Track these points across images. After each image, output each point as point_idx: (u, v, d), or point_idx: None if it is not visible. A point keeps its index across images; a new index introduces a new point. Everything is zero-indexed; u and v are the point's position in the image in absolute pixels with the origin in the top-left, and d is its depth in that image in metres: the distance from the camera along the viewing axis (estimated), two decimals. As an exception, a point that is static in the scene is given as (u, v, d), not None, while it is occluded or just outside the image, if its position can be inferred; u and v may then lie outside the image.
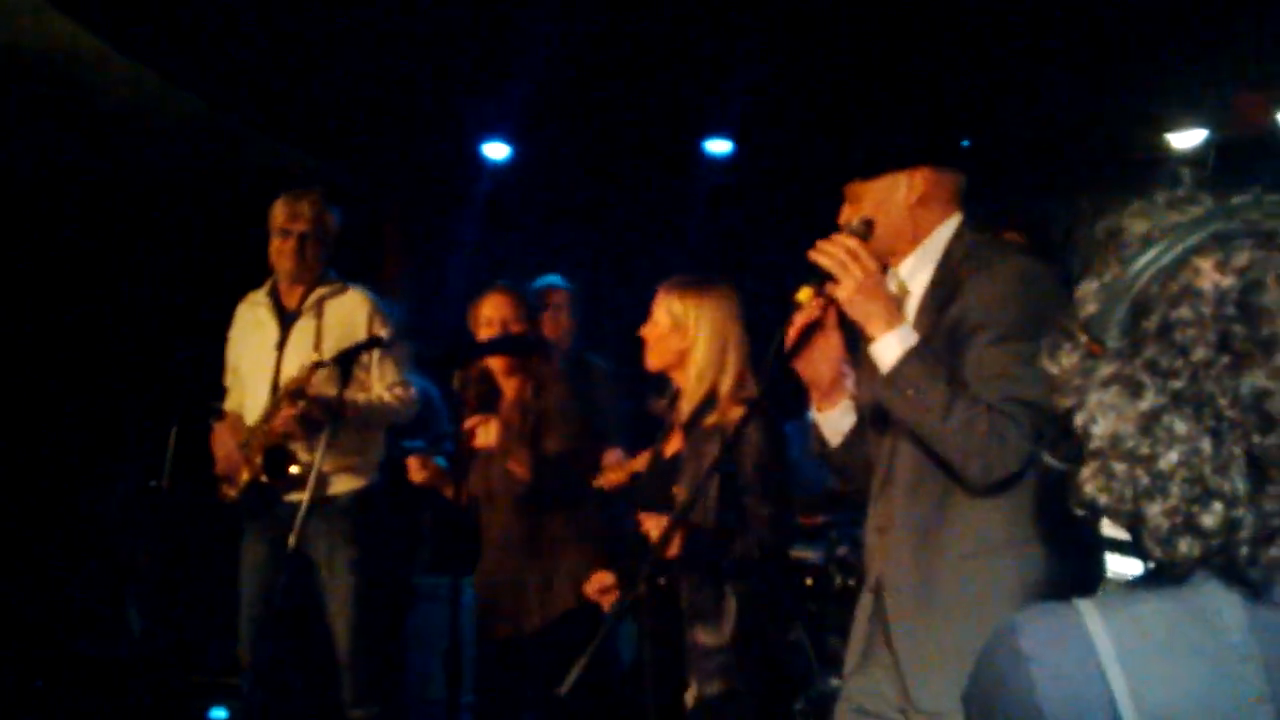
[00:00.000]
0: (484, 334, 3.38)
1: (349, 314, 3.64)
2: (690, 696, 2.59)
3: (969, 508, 1.93)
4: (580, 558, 3.22)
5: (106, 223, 5.24)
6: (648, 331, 2.83)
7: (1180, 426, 0.87)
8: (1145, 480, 0.88)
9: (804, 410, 3.14)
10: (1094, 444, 0.91)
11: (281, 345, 3.62)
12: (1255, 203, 0.93)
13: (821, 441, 2.20)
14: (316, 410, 3.41)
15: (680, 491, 2.69)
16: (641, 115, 5.25)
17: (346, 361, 3.29)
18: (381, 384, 3.63)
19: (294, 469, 3.48)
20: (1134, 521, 0.90)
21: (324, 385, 3.47)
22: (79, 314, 5.13)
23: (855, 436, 2.16)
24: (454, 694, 2.97)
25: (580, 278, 4.49)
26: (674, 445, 2.84)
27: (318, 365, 3.46)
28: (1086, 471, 0.92)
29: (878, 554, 2.08)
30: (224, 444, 3.61)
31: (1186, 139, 5.16)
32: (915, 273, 2.07)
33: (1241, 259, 0.89)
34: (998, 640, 0.91)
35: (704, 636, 2.61)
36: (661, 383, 2.96)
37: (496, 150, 5.66)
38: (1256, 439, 0.85)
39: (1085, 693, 0.86)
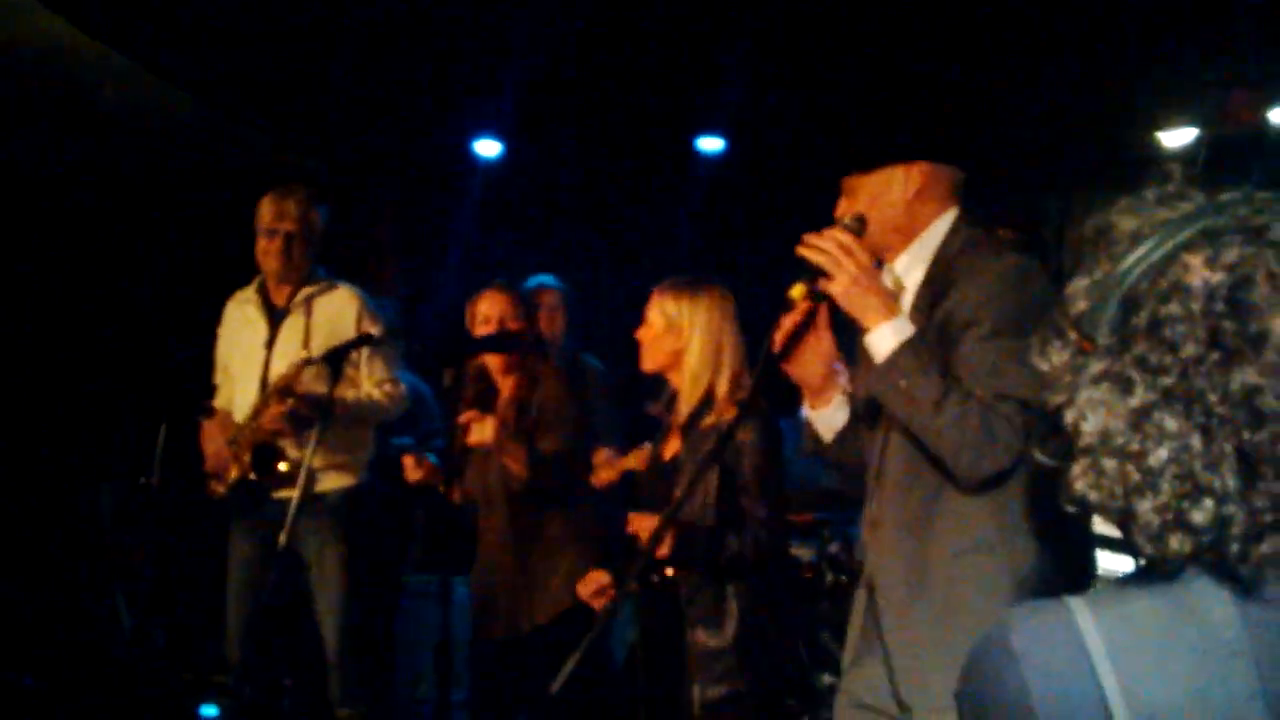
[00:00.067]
0: (480, 331, 3.38)
1: (338, 312, 3.63)
2: (695, 699, 2.58)
3: (960, 504, 1.93)
4: (576, 557, 3.22)
5: (96, 220, 5.22)
6: (642, 333, 2.83)
7: (1170, 423, 0.87)
8: (1136, 477, 0.88)
9: (797, 408, 3.15)
10: (1084, 441, 0.91)
11: (270, 343, 3.61)
12: (1245, 199, 0.93)
13: (815, 438, 2.20)
14: (305, 408, 3.40)
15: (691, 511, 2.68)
16: (634, 112, 5.25)
17: (336, 359, 3.28)
18: (371, 381, 3.62)
19: (282, 466, 3.47)
20: (1125, 518, 0.90)
21: (313, 383, 3.47)
22: (68, 311, 5.11)
23: (849, 432, 2.16)
24: (445, 693, 2.97)
25: (572, 275, 4.48)
26: (672, 447, 2.84)
27: (307, 362, 3.45)
28: (1077, 468, 0.92)
29: (871, 549, 2.08)
30: (213, 441, 3.60)
31: (1177, 137, 5.17)
32: (910, 268, 2.07)
33: (1231, 255, 0.89)
34: (989, 638, 0.91)
35: (706, 638, 2.60)
36: (655, 383, 2.96)
37: (488, 147, 5.65)
38: (1247, 435, 0.85)
39: (1076, 690, 0.86)
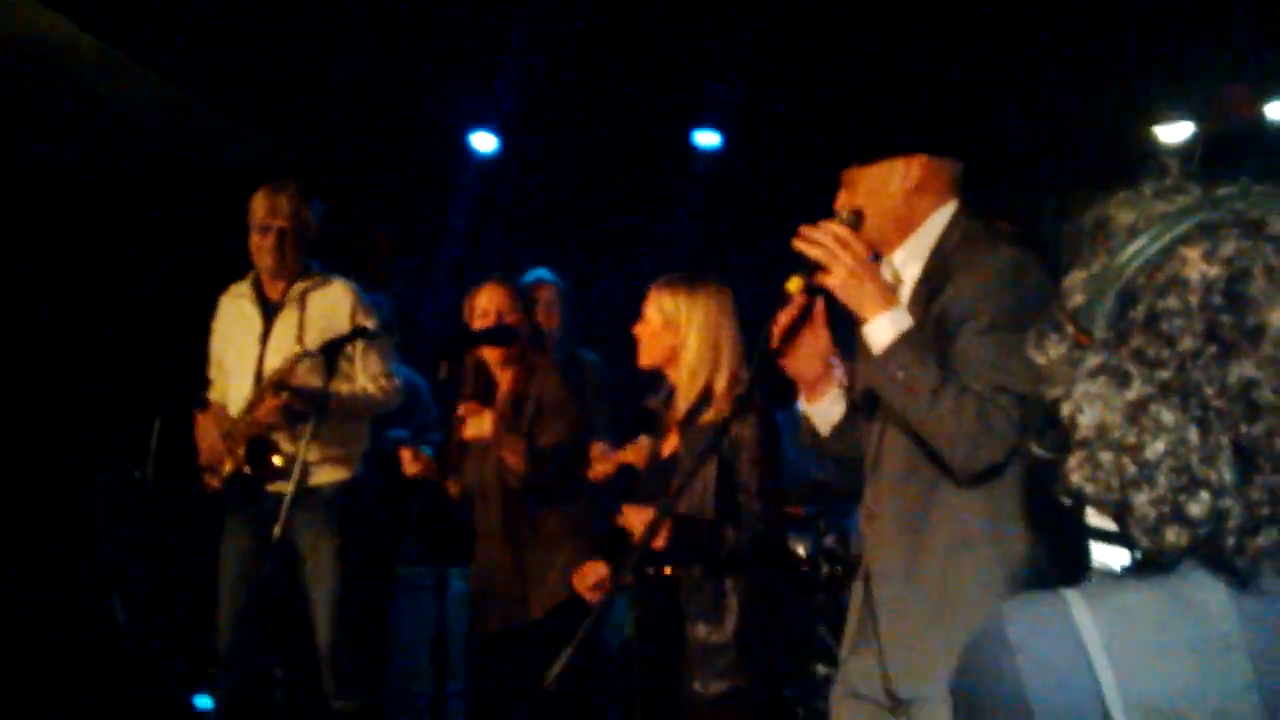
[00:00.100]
0: (479, 325, 3.37)
1: (332, 306, 3.63)
2: (696, 694, 2.58)
3: (956, 497, 1.93)
4: (574, 551, 3.20)
5: (90, 215, 5.21)
6: (640, 329, 2.82)
7: (1167, 416, 0.87)
8: (1132, 470, 0.88)
9: (793, 401, 3.15)
10: (1081, 434, 0.91)
11: (265, 337, 3.61)
12: (1242, 193, 0.93)
13: (812, 432, 2.20)
14: (299, 402, 3.40)
15: (688, 502, 2.68)
16: (630, 107, 5.24)
17: (331, 352, 3.28)
18: (366, 375, 3.62)
19: (277, 460, 3.47)
20: (1121, 511, 0.90)
21: (308, 376, 3.46)
22: (62, 305, 5.09)
23: (846, 426, 2.16)
24: (440, 685, 2.97)
25: (568, 270, 4.47)
26: (671, 444, 2.84)
27: (302, 356, 3.45)
28: (1073, 461, 0.92)
29: (868, 541, 2.08)
30: (207, 434, 3.60)
31: (1174, 132, 5.17)
32: (908, 262, 2.07)
33: (1228, 249, 0.89)
34: (985, 630, 0.91)
35: (707, 634, 2.60)
36: (651, 378, 2.95)
37: (484, 141, 5.63)
38: (1244, 428, 0.85)
39: (1072, 682, 0.86)
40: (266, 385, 3.49)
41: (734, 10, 4.33)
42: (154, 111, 4.92)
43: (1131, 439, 0.88)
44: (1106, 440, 0.89)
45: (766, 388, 2.66)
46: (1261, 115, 5.06)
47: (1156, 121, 5.18)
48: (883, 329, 1.90)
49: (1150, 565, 0.91)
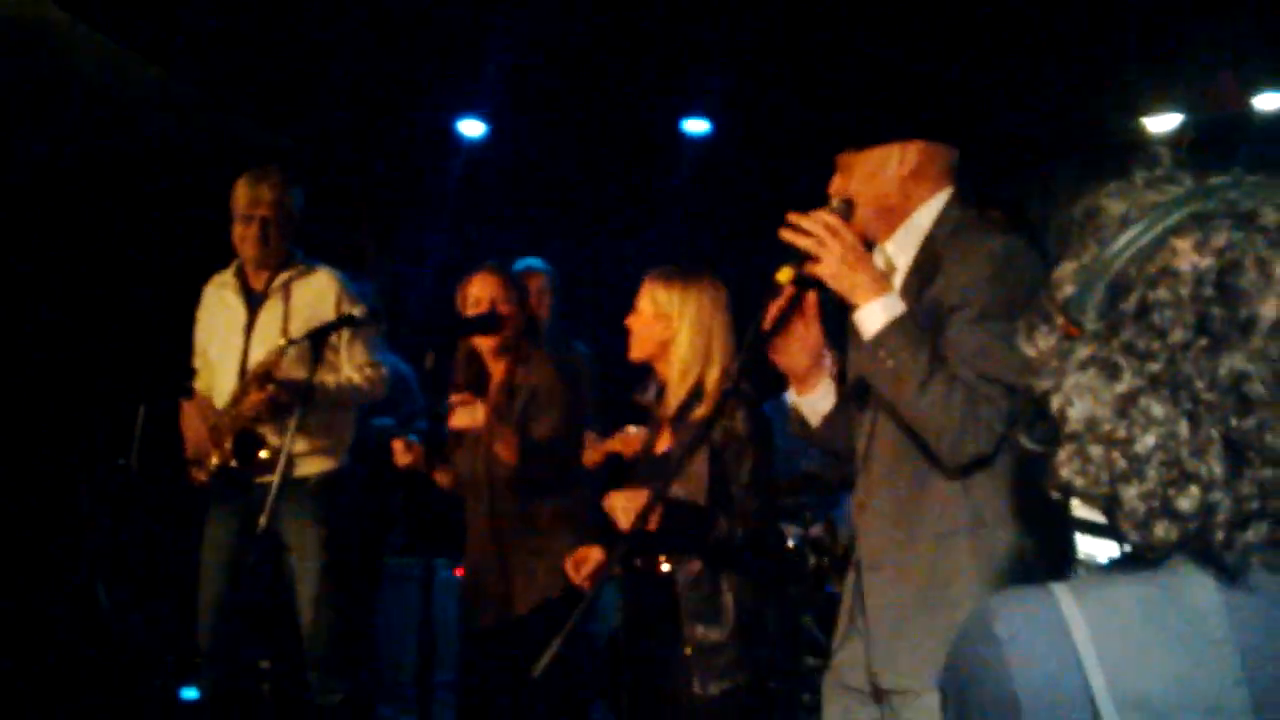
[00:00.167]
0: (471, 314, 3.33)
1: (317, 295, 3.60)
2: (695, 693, 2.57)
3: (946, 488, 1.93)
4: (567, 544, 3.17)
5: (71, 200, 5.16)
6: (632, 321, 2.80)
7: (1157, 409, 0.86)
8: (1122, 463, 0.87)
9: (781, 391, 3.13)
10: (1070, 427, 0.90)
11: (249, 328, 3.58)
12: (1234, 183, 0.92)
13: (802, 423, 2.19)
14: (285, 394, 3.38)
15: (680, 490, 2.66)
16: (619, 93, 5.22)
17: (317, 341, 3.25)
18: (351, 365, 3.60)
19: (264, 454, 3.45)
20: (1110, 505, 0.89)
21: (293, 367, 3.44)
22: (44, 293, 5.05)
23: (836, 417, 2.15)
24: (427, 675, 2.96)
25: (555, 258, 4.46)
26: (664, 441, 2.82)
27: (289, 344, 3.42)
28: (1063, 454, 0.91)
29: (860, 531, 2.08)
30: (193, 426, 3.58)
31: (1163, 122, 5.18)
32: (901, 250, 2.06)
33: (1220, 240, 0.88)
34: (973, 624, 0.91)
35: (705, 634, 2.59)
36: (640, 369, 2.93)
37: (472, 128, 5.61)
38: (1234, 422, 0.85)
39: (1060, 676, 0.86)
40: (252, 378, 3.47)
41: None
42: (137, 96, 4.88)
43: (1121, 432, 0.87)
44: (1096, 433, 0.89)
45: (756, 379, 2.65)
46: (1250, 105, 5.07)
47: (1145, 111, 5.19)
48: (874, 315, 1.89)
49: (1139, 559, 0.90)
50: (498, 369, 3.35)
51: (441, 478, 3.40)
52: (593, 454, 3.55)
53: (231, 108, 5.11)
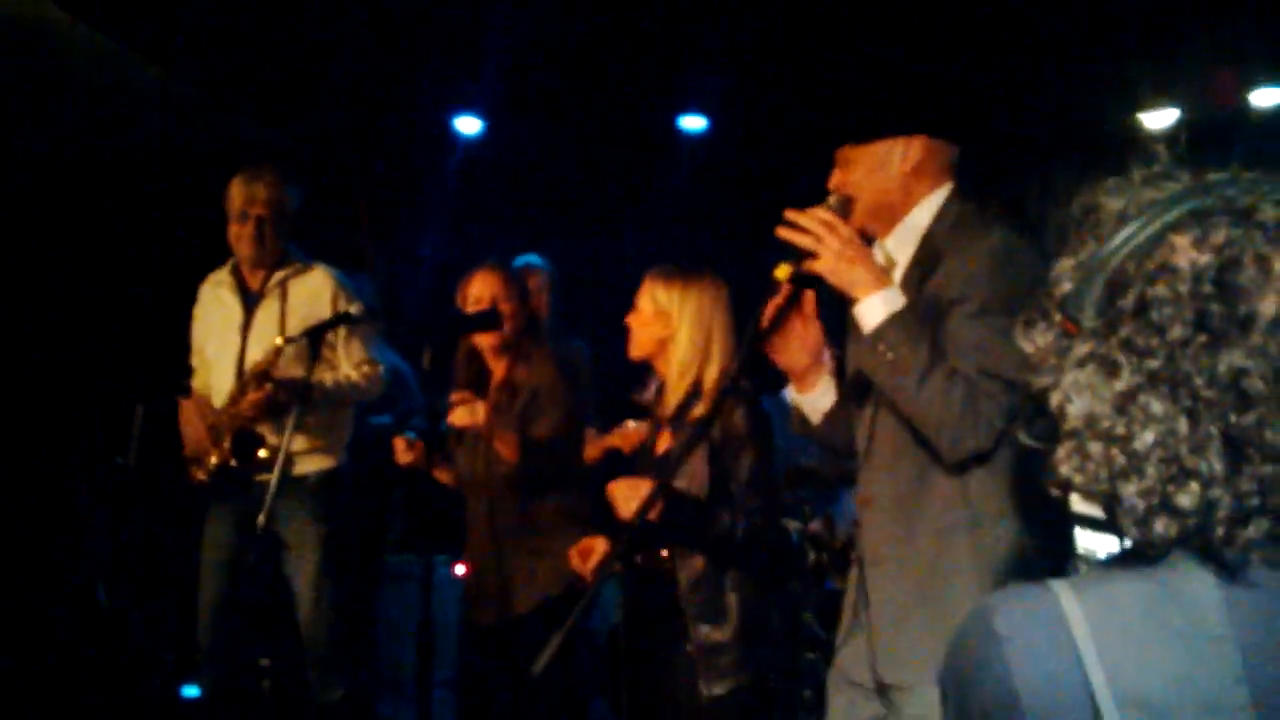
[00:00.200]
0: (471, 312, 3.31)
1: (314, 294, 3.59)
2: (701, 694, 2.57)
3: (947, 482, 1.92)
4: (568, 543, 3.16)
5: (69, 199, 5.15)
6: (632, 319, 2.80)
7: (1156, 406, 0.86)
8: (1121, 460, 0.87)
9: (780, 388, 3.13)
10: (1069, 424, 0.90)
11: (246, 328, 3.57)
12: (1232, 180, 0.92)
13: (803, 420, 2.19)
14: (283, 393, 3.37)
15: (680, 485, 2.65)
16: (615, 90, 5.21)
17: (315, 337, 3.25)
18: (349, 363, 3.59)
19: (263, 453, 3.44)
20: (1110, 502, 0.89)
21: (290, 366, 3.44)
22: (41, 291, 5.04)
23: (837, 414, 2.15)
24: (426, 673, 2.96)
25: (553, 254, 4.45)
26: (665, 442, 2.81)
27: (287, 343, 3.42)
28: (1062, 452, 0.91)
29: (863, 526, 2.08)
30: (192, 425, 3.57)
31: (1159, 118, 5.18)
32: (901, 245, 2.05)
33: (1219, 236, 0.88)
34: (973, 622, 0.91)
35: (709, 634, 2.58)
36: (634, 365, 2.93)
37: (469, 124, 5.60)
38: (1233, 419, 0.85)
39: (1061, 673, 0.86)
40: (249, 377, 3.46)
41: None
42: (133, 93, 4.87)
43: (1120, 429, 0.87)
44: (1095, 430, 0.89)
45: (755, 376, 2.64)
46: (1246, 102, 5.07)
47: (1141, 107, 5.19)
48: (874, 309, 1.89)
49: (1139, 556, 0.90)
50: (499, 367, 3.34)
51: (443, 475, 3.39)
52: (592, 449, 3.54)
53: (228, 106, 5.10)
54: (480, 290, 3.28)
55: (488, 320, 3.23)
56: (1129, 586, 0.89)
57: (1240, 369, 0.85)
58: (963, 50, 4.68)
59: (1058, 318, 0.94)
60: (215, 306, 3.67)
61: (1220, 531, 0.86)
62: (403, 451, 3.28)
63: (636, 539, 2.54)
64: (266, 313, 3.58)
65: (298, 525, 3.51)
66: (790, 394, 2.19)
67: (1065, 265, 0.96)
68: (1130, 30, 4.54)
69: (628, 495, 2.49)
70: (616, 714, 3.58)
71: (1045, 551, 1.84)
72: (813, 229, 1.91)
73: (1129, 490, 0.87)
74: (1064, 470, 0.91)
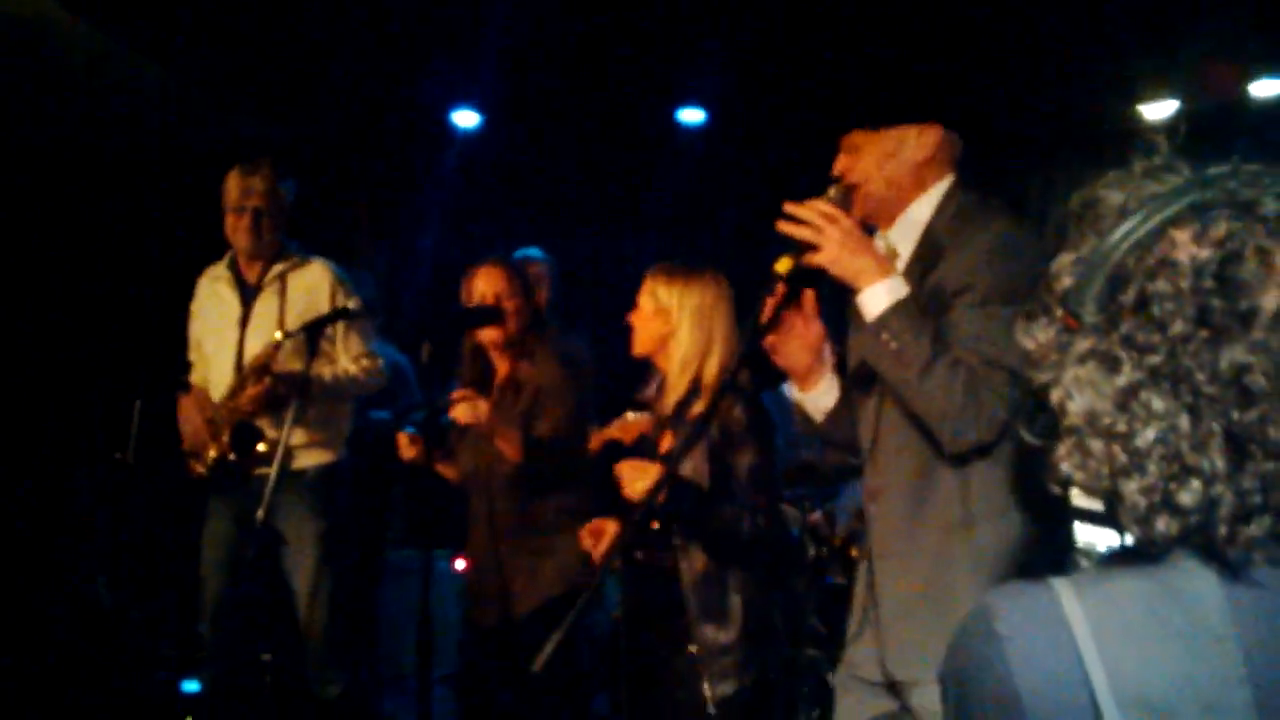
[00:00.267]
0: (471, 306, 3.27)
1: (312, 287, 3.59)
2: (706, 696, 2.56)
3: (954, 475, 1.91)
4: (571, 542, 3.14)
5: (68, 195, 5.15)
6: (634, 316, 2.79)
7: (1158, 403, 0.86)
8: (1122, 458, 0.87)
9: (779, 382, 3.12)
10: (1070, 420, 0.90)
11: (244, 321, 3.57)
12: (1233, 173, 0.91)
13: (807, 419, 2.18)
14: (282, 387, 3.37)
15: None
16: (614, 83, 5.20)
17: (313, 332, 3.24)
18: (347, 356, 3.59)
19: (262, 446, 3.44)
20: (1111, 499, 0.89)
21: (289, 360, 3.43)
22: (40, 287, 5.04)
23: (840, 411, 2.14)
24: (426, 668, 2.95)
25: (551, 247, 4.44)
26: (668, 440, 2.80)
27: (285, 337, 3.41)
28: (1063, 449, 0.90)
29: (870, 521, 2.07)
30: (190, 419, 3.57)
31: (1158, 110, 5.17)
32: (903, 237, 2.04)
33: (1219, 230, 0.87)
34: (973, 620, 0.90)
35: (714, 636, 2.58)
36: (633, 360, 2.92)
37: (466, 118, 5.58)
38: (1235, 415, 0.84)
39: (1061, 672, 0.85)
40: (248, 371, 3.46)
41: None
42: (133, 90, 4.86)
43: (1121, 426, 0.87)
44: (1096, 427, 0.88)
45: (756, 371, 2.63)
46: (1246, 93, 5.05)
47: (1141, 99, 5.17)
48: (878, 297, 1.87)
49: (1140, 554, 0.90)
50: (502, 365, 3.31)
51: (447, 471, 3.37)
52: (592, 442, 3.53)
53: (226, 102, 5.09)
54: (484, 286, 3.24)
55: (488, 315, 3.21)
56: (1130, 585, 0.88)
57: (1242, 365, 0.84)
58: (963, 43, 4.67)
59: (1058, 313, 0.93)
60: (213, 301, 3.66)
61: (1222, 530, 0.85)
62: (405, 447, 3.26)
63: (645, 521, 2.52)
64: (265, 306, 3.57)
65: (297, 520, 3.51)
66: (793, 392, 2.18)
67: (1065, 260, 0.95)
68: (1130, 22, 4.53)
69: (634, 475, 2.48)
70: (617, 712, 3.58)
71: (1053, 545, 1.83)
72: (813, 221, 1.89)
73: (1130, 488, 0.86)
74: (1065, 467, 0.90)
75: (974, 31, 4.58)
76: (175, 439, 3.62)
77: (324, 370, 3.50)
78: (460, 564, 3.70)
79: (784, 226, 1.91)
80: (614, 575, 2.99)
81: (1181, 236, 0.88)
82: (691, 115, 5.58)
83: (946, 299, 1.90)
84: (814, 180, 2.09)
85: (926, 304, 1.91)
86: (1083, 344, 0.90)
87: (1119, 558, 0.93)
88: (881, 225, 2.06)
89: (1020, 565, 1.83)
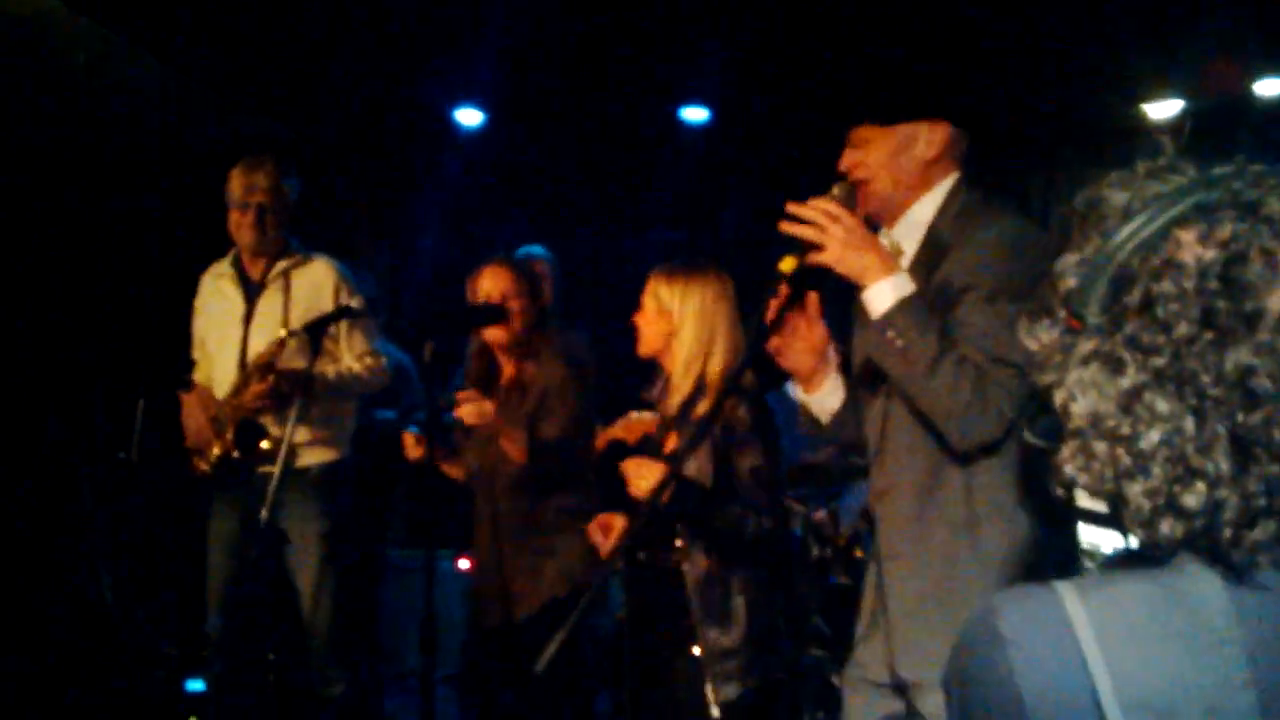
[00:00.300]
0: (475, 305, 3.26)
1: (316, 285, 3.59)
2: (709, 699, 2.56)
3: (962, 473, 1.90)
4: (574, 543, 3.12)
5: (70, 193, 5.15)
6: (639, 318, 2.79)
7: (1162, 405, 0.85)
8: (1126, 460, 0.86)
9: (782, 382, 3.11)
10: (1074, 423, 0.89)
11: (248, 318, 3.57)
12: (1238, 173, 0.91)
13: (812, 421, 2.17)
14: (286, 384, 3.37)
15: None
16: (617, 81, 5.19)
17: (316, 331, 3.24)
18: (351, 354, 3.59)
19: (265, 444, 3.44)
20: (1115, 502, 0.88)
21: (293, 358, 3.43)
22: (42, 285, 5.04)
23: (846, 413, 2.13)
24: (429, 667, 2.95)
25: (554, 246, 4.43)
26: (672, 441, 2.79)
27: (288, 336, 3.41)
28: (1066, 451, 0.90)
29: (879, 520, 2.06)
30: (194, 417, 3.57)
31: (1162, 109, 5.15)
32: (908, 234, 2.03)
33: (1224, 231, 0.87)
34: (976, 623, 0.90)
35: (717, 639, 2.57)
36: (637, 360, 2.92)
37: (469, 116, 5.58)
38: (1240, 417, 0.83)
39: (1065, 676, 0.85)
40: (252, 369, 3.46)
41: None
42: (135, 88, 4.86)
43: (1126, 428, 0.86)
44: (1100, 429, 0.87)
45: (760, 372, 2.63)
46: (1250, 92, 5.04)
47: (1145, 98, 5.16)
48: (883, 294, 1.86)
49: (1145, 557, 0.89)
50: (508, 365, 3.29)
51: (453, 470, 3.36)
52: (597, 441, 3.52)
53: (229, 100, 5.08)
54: (490, 286, 3.22)
55: (491, 314, 3.19)
56: (1134, 588, 0.88)
57: (1247, 367, 0.83)
58: (965, 41, 4.65)
59: (1062, 314, 0.93)
60: (216, 298, 3.66)
61: (1227, 533, 0.84)
62: (411, 447, 3.25)
63: (649, 521, 2.51)
64: (269, 303, 3.57)
65: (300, 519, 3.51)
66: (798, 394, 2.17)
67: (1069, 260, 0.94)
68: (1133, 20, 4.51)
69: (640, 473, 2.48)
70: (620, 712, 3.58)
71: (1063, 543, 1.82)
72: (817, 219, 1.88)
73: (1134, 490, 0.86)
74: (1068, 470, 0.89)
75: (976, 30, 4.57)
76: (178, 438, 3.62)
77: (327, 368, 3.50)
78: (464, 563, 3.70)
79: (787, 226, 1.90)
80: (617, 576, 2.99)
81: (1186, 237, 0.88)
82: (695, 114, 5.57)
83: (952, 296, 1.89)
84: (818, 179, 2.08)
85: (932, 301, 1.89)
86: (1086, 345, 0.89)
87: (1123, 560, 0.92)
88: (885, 223, 2.06)
89: (1026, 566, 1.82)
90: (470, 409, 3.08)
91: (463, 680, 3.41)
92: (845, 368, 2.16)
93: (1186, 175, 0.92)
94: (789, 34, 4.70)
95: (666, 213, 5.82)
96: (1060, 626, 0.86)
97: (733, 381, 2.41)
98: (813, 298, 2.05)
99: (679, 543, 2.63)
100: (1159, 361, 0.86)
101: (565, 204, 5.95)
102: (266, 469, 3.32)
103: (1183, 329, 0.85)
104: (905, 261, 2.00)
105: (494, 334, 3.23)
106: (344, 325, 3.54)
